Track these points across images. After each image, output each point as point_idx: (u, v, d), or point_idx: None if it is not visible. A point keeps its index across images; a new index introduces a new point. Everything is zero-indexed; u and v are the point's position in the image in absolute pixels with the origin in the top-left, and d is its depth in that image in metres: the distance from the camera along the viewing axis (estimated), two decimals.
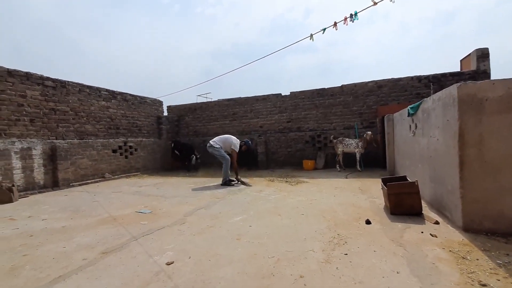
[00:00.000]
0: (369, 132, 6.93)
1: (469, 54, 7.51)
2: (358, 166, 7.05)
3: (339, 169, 7.30)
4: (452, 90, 2.56)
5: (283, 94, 9.26)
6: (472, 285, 1.62)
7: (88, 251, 2.45)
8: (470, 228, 2.43)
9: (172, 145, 9.45)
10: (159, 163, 9.65)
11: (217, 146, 5.94)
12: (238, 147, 6.10)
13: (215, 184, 6.04)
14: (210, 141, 6.05)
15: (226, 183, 5.75)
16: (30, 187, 5.75)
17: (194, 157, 8.99)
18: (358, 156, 7.04)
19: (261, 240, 2.52)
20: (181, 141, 9.69)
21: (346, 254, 2.13)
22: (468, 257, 1.96)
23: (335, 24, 5.69)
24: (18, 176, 5.53)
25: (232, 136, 6.27)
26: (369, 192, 4.39)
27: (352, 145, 7.09)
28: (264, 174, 7.32)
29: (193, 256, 2.22)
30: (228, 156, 5.93)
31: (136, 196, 5.02)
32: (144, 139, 9.15)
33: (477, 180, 2.41)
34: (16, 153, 5.53)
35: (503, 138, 2.33)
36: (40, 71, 6.56)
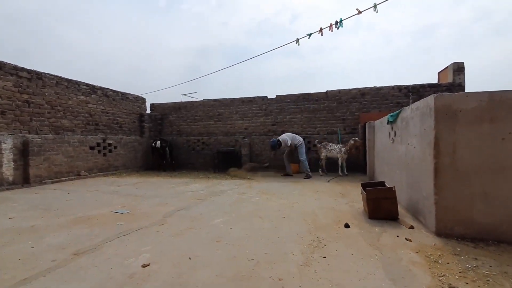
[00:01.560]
0: (356, 138, 7.04)
1: (446, 67, 7.91)
2: (340, 171, 7.19)
3: (321, 173, 7.41)
4: (429, 100, 2.68)
5: (269, 97, 9.32)
6: (443, 287, 1.69)
7: (58, 252, 2.33)
8: (442, 233, 2.54)
9: (158, 143, 9.22)
10: (140, 162, 9.39)
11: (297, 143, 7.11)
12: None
13: (197, 184, 5.95)
14: (287, 140, 6.95)
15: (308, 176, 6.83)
16: None
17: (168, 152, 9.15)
18: (340, 161, 7.19)
19: (241, 242, 2.50)
20: (166, 140, 9.53)
21: (325, 257, 2.15)
22: (440, 261, 2.04)
23: (321, 30, 5.81)
24: None
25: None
26: (349, 196, 4.49)
27: (335, 150, 7.23)
28: (248, 176, 7.29)
29: (171, 258, 2.16)
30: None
31: (114, 195, 4.84)
32: (124, 137, 8.87)
33: (450, 187, 2.52)
34: None
35: (473, 148, 2.46)
36: (15, 62, 6.17)
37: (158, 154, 9.19)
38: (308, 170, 6.94)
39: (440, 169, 2.54)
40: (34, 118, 6.54)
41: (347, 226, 2.90)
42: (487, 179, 2.41)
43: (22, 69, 6.30)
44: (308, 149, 8.44)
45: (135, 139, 9.30)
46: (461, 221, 2.50)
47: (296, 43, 6.20)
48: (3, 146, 5.53)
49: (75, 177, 6.95)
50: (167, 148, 9.12)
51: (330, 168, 7.59)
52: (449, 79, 7.69)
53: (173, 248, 2.38)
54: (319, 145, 7.56)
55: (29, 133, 6.36)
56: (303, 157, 7.08)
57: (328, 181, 6.23)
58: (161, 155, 9.14)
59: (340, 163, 7.19)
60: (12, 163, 5.69)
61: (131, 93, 9.83)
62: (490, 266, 1.94)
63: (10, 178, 5.64)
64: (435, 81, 8.46)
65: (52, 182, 6.29)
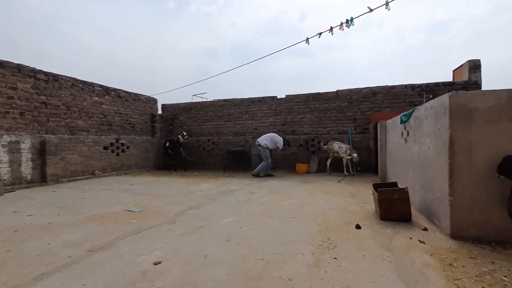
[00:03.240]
0: (355, 155, 6.90)
1: (462, 65, 7.67)
2: (345, 171, 7.09)
3: (329, 173, 7.34)
4: (444, 99, 2.61)
5: (278, 97, 9.29)
6: None
7: (74, 248, 2.40)
8: (457, 235, 2.47)
9: (167, 144, 9.37)
10: (152, 162, 9.55)
11: (265, 146, 6.79)
12: (282, 144, 7.14)
13: (207, 184, 6.00)
14: (258, 140, 6.90)
15: (268, 174, 6.80)
16: (17, 182, 5.62)
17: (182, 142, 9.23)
18: (345, 161, 7.07)
19: (251, 242, 2.51)
20: (174, 140, 9.66)
21: (335, 258, 2.13)
22: (455, 264, 1.99)
23: (331, 29, 5.75)
24: (4, 170, 5.40)
25: (276, 134, 7.25)
26: (360, 197, 4.42)
27: (342, 150, 7.13)
28: (258, 176, 7.30)
29: (182, 256, 2.20)
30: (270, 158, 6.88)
31: (127, 194, 4.95)
32: (137, 137, 9.05)
33: (466, 188, 2.45)
34: (3, 146, 5.41)
35: (491, 148, 2.38)
36: (33, 65, 6.41)
37: (169, 155, 9.31)
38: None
39: (455, 169, 2.47)
40: (51, 119, 6.76)
41: (358, 227, 2.86)
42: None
43: (40, 71, 6.53)
44: (318, 149, 8.38)
45: (147, 139, 9.47)
46: (477, 223, 2.42)
47: (306, 43, 6.16)
48: (22, 146, 5.75)
49: (90, 176, 7.15)
50: (181, 148, 9.25)
51: (340, 168, 7.49)
52: (464, 77, 7.45)
53: (184, 246, 2.42)
54: (325, 146, 7.53)
55: (46, 133, 6.58)
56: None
57: (339, 181, 6.16)
58: (173, 155, 9.26)
59: (345, 163, 7.08)
60: (31, 162, 5.90)
61: (143, 93, 10.01)
62: (508, 270, 1.88)
63: (29, 177, 5.86)
64: (450, 79, 8.22)
65: (68, 181, 6.48)
